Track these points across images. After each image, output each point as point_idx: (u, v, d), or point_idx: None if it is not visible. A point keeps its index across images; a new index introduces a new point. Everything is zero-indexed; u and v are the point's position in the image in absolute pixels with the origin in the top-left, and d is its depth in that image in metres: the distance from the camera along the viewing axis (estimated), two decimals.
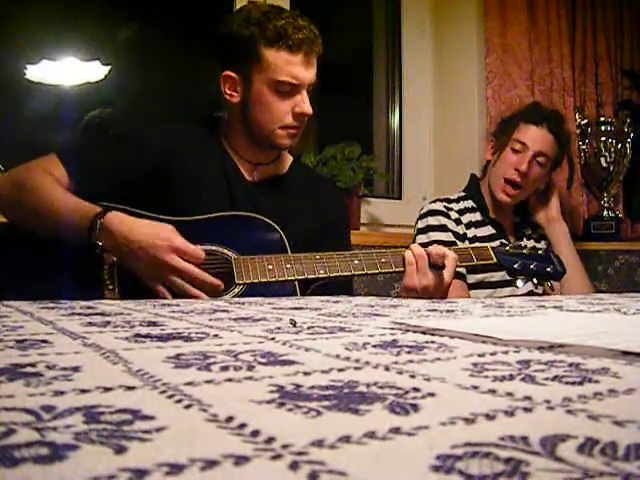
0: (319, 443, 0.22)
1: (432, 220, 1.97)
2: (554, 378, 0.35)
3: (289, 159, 1.56)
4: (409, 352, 0.45)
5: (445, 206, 2.01)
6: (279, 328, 0.60)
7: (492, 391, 0.32)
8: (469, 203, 2.07)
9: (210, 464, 0.20)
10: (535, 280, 1.44)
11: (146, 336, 0.53)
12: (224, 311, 0.82)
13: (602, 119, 2.73)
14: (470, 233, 2.00)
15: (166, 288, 1.19)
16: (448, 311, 0.87)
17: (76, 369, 0.37)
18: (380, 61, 2.96)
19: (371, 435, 0.24)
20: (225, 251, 1.27)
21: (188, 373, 0.36)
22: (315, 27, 1.38)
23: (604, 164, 2.72)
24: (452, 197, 2.09)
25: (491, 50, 2.61)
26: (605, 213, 2.68)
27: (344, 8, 3.01)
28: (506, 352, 0.45)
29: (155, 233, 1.18)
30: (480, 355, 0.44)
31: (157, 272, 1.18)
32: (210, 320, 0.69)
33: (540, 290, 1.84)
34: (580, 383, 0.34)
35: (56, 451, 0.21)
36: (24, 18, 2.22)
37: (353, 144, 2.39)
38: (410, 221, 2.15)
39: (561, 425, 0.25)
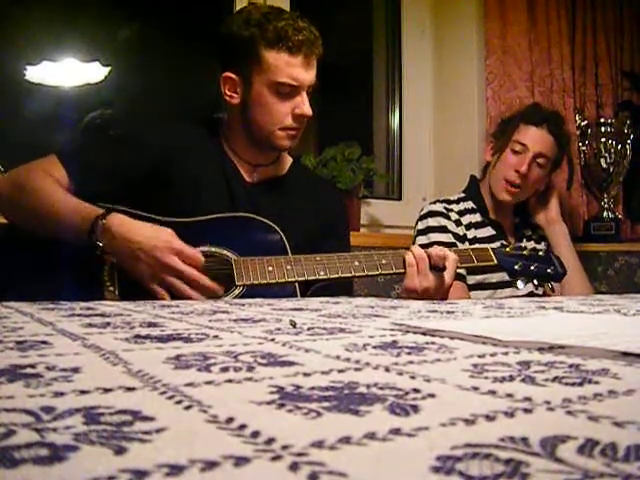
0: (319, 444, 0.22)
1: (432, 221, 1.97)
2: (554, 379, 0.35)
3: (289, 160, 1.56)
4: (409, 353, 0.45)
5: (445, 207, 2.01)
6: (279, 329, 0.60)
7: (492, 392, 0.32)
8: (469, 204, 2.07)
9: (210, 465, 0.20)
10: (535, 281, 1.43)
11: (146, 337, 0.53)
12: (224, 312, 0.82)
13: (602, 120, 2.73)
14: (470, 234, 2.00)
15: (164, 290, 1.19)
16: (448, 312, 0.87)
17: (76, 370, 0.37)
18: (380, 62, 2.96)
19: (371, 436, 0.24)
20: (225, 252, 1.27)
21: (188, 374, 0.36)
22: (315, 28, 1.38)
23: (604, 165, 2.72)
24: (452, 198, 2.08)
25: (491, 51, 2.61)
26: (605, 214, 2.68)
27: (344, 8, 3.01)
28: (506, 353, 0.45)
29: (155, 235, 1.19)
30: (480, 356, 0.44)
31: (156, 273, 1.18)
32: (210, 321, 0.69)
33: (540, 291, 1.84)
34: (580, 384, 0.34)
35: (56, 452, 0.21)
36: (24, 19, 2.22)
37: (353, 145, 2.39)
38: (410, 222, 2.15)
39: (561, 426, 0.25)
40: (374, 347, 0.48)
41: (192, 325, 0.64)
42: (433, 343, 0.51)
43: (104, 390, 0.31)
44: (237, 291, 1.24)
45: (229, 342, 0.50)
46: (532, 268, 1.41)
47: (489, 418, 0.26)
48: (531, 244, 2.07)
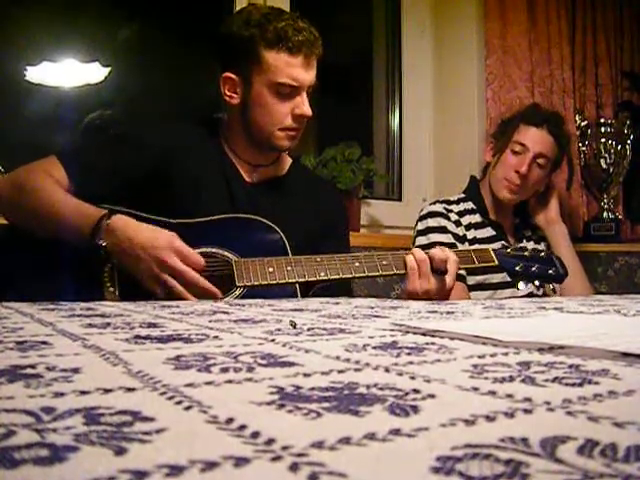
0: (319, 444, 0.22)
1: (432, 222, 1.97)
2: (554, 379, 0.36)
3: (288, 161, 1.56)
4: (409, 353, 0.45)
5: (445, 208, 2.01)
6: (279, 330, 0.60)
7: (492, 392, 0.32)
8: (469, 205, 2.07)
9: (210, 465, 0.20)
10: (537, 282, 1.43)
11: (146, 337, 0.53)
12: (224, 313, 0.82)
13: (602, 120, 2.73)
14: (470, 235, 2.00)
15: (164, 290, 1.19)
16: (448, 313, 0.87)
17: (76, 370, 0.37)
18: (380, 62, 2.96)
19: (371, 436, 0.24)
20: (226, 253, 1.27)
21: (188, 374, 0.36)
22: (315, 29, 1.38)
23: (604, 165, 2.72)
24: (452, 199, 2.08)
25: (491, 51, 2.61)
26: (605, 215, 2.68)
27: (344, 9, 3.01)
28: (506, 354, 0.45)
29: (157, 235, 1.19)
30: (480, 357, 0.44)
31: (154, 271, 1.17)
32: (210, 322, 0.69)
33: (540, 292, 1.84)
34: (580, 384, 0.34)
35: (56, 452, 0.21)
36: (24, 19, 2.22)
37: (353, 145, 2.39)
38: (410, 223, 2.15)
39: (561, 426, 0.25)
40: (374, 348, 0.48)
41: (192, 326, 0.64)
42: (433, 344, 0.51)
43: (104, 391, 0.32)
44: (237, 292, 1.24)
45: (229, 343, 0.50)
46: (533, 269, 1.40)
47: (489, 418, 0.26)
48: (531, 244, 2.07)
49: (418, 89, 2.83)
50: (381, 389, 0.32)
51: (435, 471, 0.20)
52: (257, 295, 1.20)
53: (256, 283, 1.22)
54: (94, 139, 2.05)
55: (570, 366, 0.40)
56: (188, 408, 0.28)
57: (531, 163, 1.98)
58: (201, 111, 2.52)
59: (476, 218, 2.04)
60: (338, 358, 0.43)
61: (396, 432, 0.24)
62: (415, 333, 0.58)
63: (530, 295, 1.80)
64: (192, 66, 2.51)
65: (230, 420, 0.26)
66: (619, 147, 2.71)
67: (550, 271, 1.42)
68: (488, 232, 2.03)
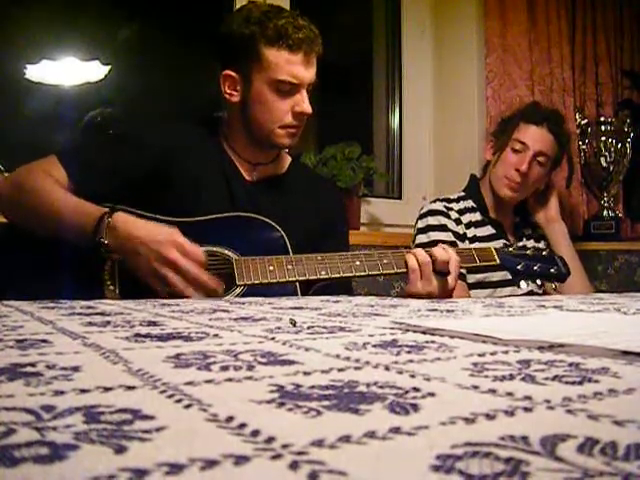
0: (319, 443, 0.22)
1: (432, 220, 1.97)
2: (554, 378, 0.36)
3: (288, 159, 1.56)
4: (409, 352, 0.45)
5: (445, 206, 2.01)
6: (279, 328, 0.60)
7: (492, 391, 0.32)
8: (469, 203, 2.07)
9: (210, 464, 0.20)
10: (539, 282, 1.43)
11: (146, 336, 0.53)
12: (224, 311, 0.82)
13: (602, 119, 2.73)
14: (470, 233, 2.00)
15: (164, 287, 1.18)
16: (448, 311, 0.87)
17: (76, 369, 0.37)
18: (380, 61, 2.96)
19: (371, 435, 0.24)
20: (226, 252, 1.27)
21: (188, 373, 0.36)
22: (315, 27, 1.38)
23: (604, 164, 2.72)
24: (452, 197, 2.08)
25: (491, 50, 2.61)
26: (605, 213, 2.68)
27: (344, 8, 3.01)
28: (506, 352, 0.45)
29: (158, 230, 1.18)
30: (480, 355, 0.44)
31: (155, 267, 1.16)
32: (210, 320, 0.69)
33: (541, 291, 1.84)
34: (580, 383, 0.34)
35: (56, 451, 0.21)
36: (24, 18, 2.22)
37: (353, 144, 2.39)
38: (410, 221, 2.15)
39: (561, 425, 0.25)
40: (374, 346, 0.48)
41: (192, 324, 0.64)
42: (433, 342, 0.51)
43: (104, 389, 0.32)
44: (238, 291, 1.24)
45: (229, 341, 0.50)
46: (535, 268, 1.40)
47: (489, 417, 0.26)
48: (531, 243, 2.07)
49: (418, 88, 2.83)
50: (381, 387, 0.32)
51: (435, 469, 0.20)
52: (257, 293, 1.19)
53: (256, 282, 1.22)
54: (94, 138, 2.05)
55: (570, 364, 0.40)
56: (188, 406, 0.28)
57: (531, 161, 1.98)
58: (201, 111, 2.52)
59: (476, 216, 2.04)
60: (338, 356, 0.43)
61: (396, 430, 0.24)
62: (415, 331, 0.58)
63: (530, 293, 1.80)
64: (192, 66, 2.51)
65: (230, 418, 0.26)
66: (619, 145, 2.71)
67: (552, 270, 1.41)
68: (488, 230, 2.03)
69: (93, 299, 1.01)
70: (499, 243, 1.91)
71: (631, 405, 0.30)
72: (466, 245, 1.92)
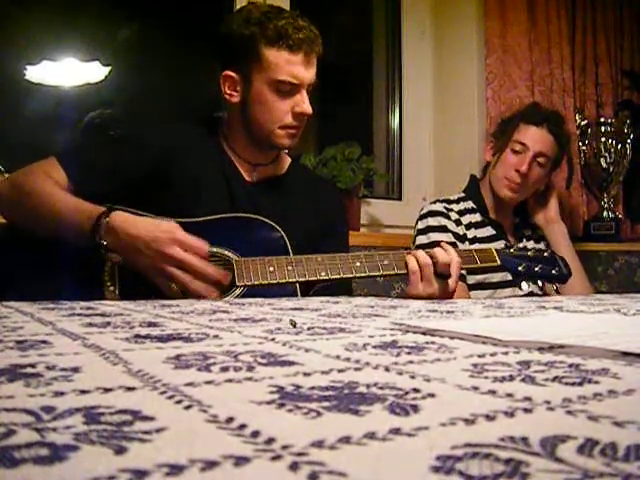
0: (319, 444, 0.22)
1: (432, 221, 1.97)
2: (554, 379, 0.36)
3: (288, 160, 1.56)
4: (409, 353, 0.45)
5: (445, 207, 2.01)
6: (279, 329, 0.60)
7: (492, 392, 0.32)
8: (469, 204, 2.07)
9: (210, 465, 0.20)
10: (540, 283, 1.42)
11: (146, 337, 0.53)
12: (224, 312, 0.82)
13: (602, 120, 2.73)
14: (470, 234, 2.00)
15: (169, 282, 1.18)
16: (448, 312, 0.87)
17: (76, 370, 0.37)
18: (380, 62, 2.96)
19: (371, 436, 0.24)
20: (226, 252, 1.27)
21: (188, 374, 0.36)
22: (315, 27, 1.38)
23: (604, 165, 2.72)
24: (452, 198, 2.08)
25: (491, 51, 2.61)
26: (605, 214, 2.68)
27: (344, 9, 3.01)
28: (506, 353, 0.45)
29: (157, 228, 1.17)
30: (480, 356, 0.44)
31: (160, 265, 1.16)
32: (210, 321, 0.69)
33: (541, 292, 1.84)
34: (580, 384, 0.34)
35: (56, 452, 0.21)
36: (24, 19, 2.22)
37: (353, 145, 2.39)
38: (410, 222, 2.15)
39: (561, 426, 0.25)
40: (374, 347, 0.48)
41: (192, 325, 0.64)
42: (433, 343, 0.51)
43: (104, 390, 0.32)
44: (238, 291, 1.24)
45: (229, 342, 0.50)
46: (536, 269, 1.39)
47: (489, 418, 0.26)
48: (531, 244, 2.07)
49: (418, 89, 2.83)
50: (381, 388, 0.32)
51: (435, 470, 0.20)
52: (257, 294, 1.19)
53: (256, 282, 1.22)
54: (94, 139, 2.06)
55: (570, 365, 0.40)
56: (188, 407, 0.28)
57: (531, 162, 1.98)
58: (201, 111, 2.52)
59: (476, 217, 2.04)
60: (338, 357, 0.43)
61: (396, 431, 0.24)
62: (415, 332, 0.58)
63: (531, 294, 1.80)
64: (192, 66, 2.51)
65: (230, 419, 0.26)
66: (619, 146, 2.71)
67: (553, 271, 1.41)
68: (488, 231, 2.03)
69: (93, 300, 1.01)
70: (499, 244, 1.91)
71: (631, 406, 0.30)
72: (466, 246, 1.92)
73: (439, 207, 2.01)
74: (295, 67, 1.35)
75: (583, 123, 2.73)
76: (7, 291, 1.14)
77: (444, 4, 2.81)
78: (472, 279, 1.94)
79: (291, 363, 0.40)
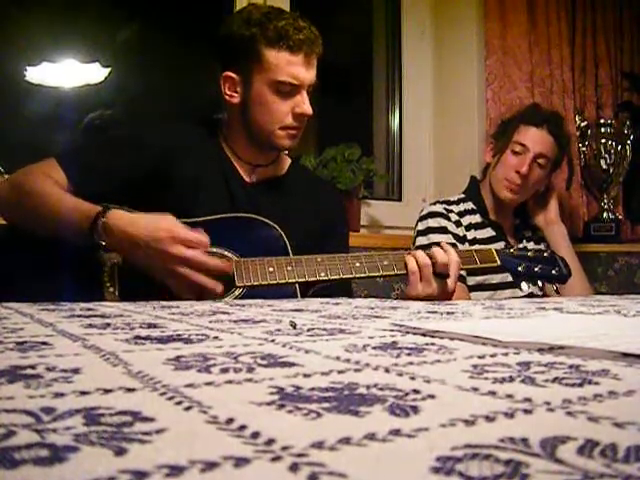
0: (319, 445, 0.22)
1: (432, 222, 1.97)
2: (554, 380, 0.35)
3: (287, 161, 1.56)
4: (409, 354, 0.45)
5: (445, 208, 2.01)
6: (279, 330, 0.60)
7: (492, 393, 0.32)
8: (469, 205, 2.07)
9: (210, 466, 0.20)
10: (540, 283, 1.42)
11: (146, 338, 0.53)
12: (224, 313, 0.82)
13: (602, 121, 2.73)
14: (470, 235, 2.00)
15: (176, 281, 1.18)
16: (448, 313, 0.87)
17: (76, 371, 0.37)
18: (380, 63, 2.96)
19: (371, 437, 0.24)
20: (226, 253, 1.27)
21: (188, 375, 0.36)
22: (315, 28, 1.38)
23: (604, 166, 2.72)
24: (452, 199, 2.08)
25: (491, 52, 2.61)
26: (605, 215, 2.68)
27: (344, 9, 3.01)
28: (506, 354, 0.45)
29: (156, 226, 1.17)
30: (480, 357, 0.44)
31: (164, 264, 1.16)
32: (210, 322, 0.69)
33: (541, 293, 1.84)
34: (580, 385, 0.34)
35: (56, 453, 0.21)
36: (24, 19, 2.23)
37: (353, 146, 2.39)
38: (410, 223, 2.15)
39: (561, 427, 0.25)
40: (374, 348, 0.48)
41: (192, 326, 0.64)
42: (433, 344, 0.51)
43: (104, 391, 0.32)
44: (237, 292, 1.24)
45: (229, 343, 0.50)
46: (536, 270, 1.39)
47: (489, 419, 0.26)
48: (531, 245, 2.07)
49: (418, 89, 2.83)
50: (381, 389, 0.32)
51: (435, 471, 0.20)
52: (257, 295, 1.19)
53: (256, 283, 1.22)
54: (94, 139, 2.05)
55: (570, 366, 0.40)
56: (188, 408, 0.28)
57: (531, 163, 1.98)
58: (201, 111, 2.52)
59: (476, 218, 2.04)
60: (338, 358, 0.43)
61: (396, 432, 0.24)
62: (415, 333, 0.58)
63: (531, 295, 1.80)
64: (192, 66, 2.51)
65: (230, 420, 0.26)
66: (619, 147, 2.71)
67: (553, 271, 1.41)
68: (488, 232, 2.03)
69: (92, 301, 1.01)
70: (499, 245, 1.91)
71: (631, 407, 0.30)
72: (466, 247, 1.92)
73: (439, 208, 2.01)
74: (295, 68, 1.35)
75: (583, 124, 2.73)
76: (7, 292, 1.14)
77: (444, 4, 2.82)
78: (472, 280, 1.94)
79: (291, 364, 0.40)
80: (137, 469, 0.20)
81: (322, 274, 1.26)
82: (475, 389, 0.33)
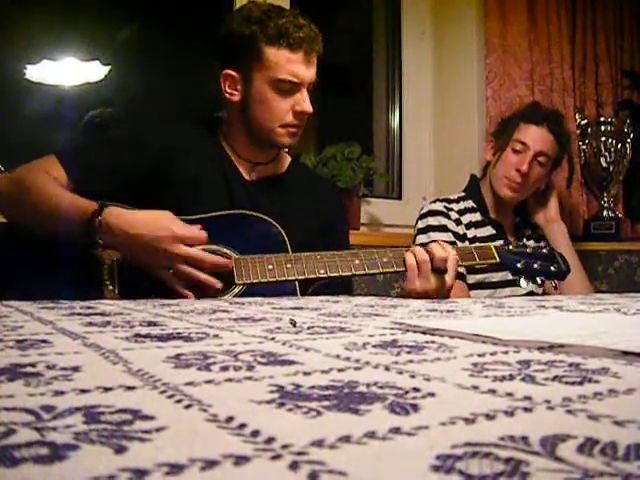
0: (319, 443, 0.22)
1: (432, 220, 1.97)
2: (554, 378, 0.35)
3: (287, 159, 1.56)
4: (409, 352, 0.45)
5: (445, 206, 2.01)
6: (279, 328, 0.60)
7: (492, 391, 0.32)
8: (469, 203, 2.07)
9: (210, 464, 0.20)
10: (539, 280, 1.43)
11: (146, 336, 0.53)
12: (224, 311, 0.82)
13: (602, 119, 2.73)
14: (470, 233, 2.00)
15: (175, 279, 1.19)
16: (448, 311, 0.87)
17: (76, 369, 0.37)
18: (380, 61, 2.96)
19: (371, 435, 0.24)
20: (225, 250, 1.27)
21: (188, 373, 0.36)
22: (315, 26, 1.38)
23: (604, 164, 2.72)
24: (452, 197, 2.08)
25: (491, 50, 2.61)
26: (605, 213, 2.68)
27: (344, 9, 3.01)
28: (506, 352, 0.45)
29: (155, 224, 1.18)
30: (480, 355, 0.44)
31: (163, 262, 1.18)
32: (210, 320, 0.69)
33: (540, 291, 1.84)
34: (580, 383, 0.34)
35: (56, 451, 0.21)
36: (24, 18, 2.22)
37: (353, 144, 2.39)
38: (410, 221, 2.15)
39: (561, 425, 0.25)
40: (374, 346, 0.48)
41: (192, 324, 0.64)
42: (433, 342, 0.51)
43: (104, 389, 0.32)
44: (237, 290, 1.24)
45: (229, 341, 0.50)
46: (535, 266, 1.39)
47: (489, 417, 0.26)
48: (531, 243, 2.06)
49: (418, 88, 2.83)
50: (381, 387, 0.32)
51: (435, 469, 0.20)
52: (256, 292, 1.20)
53: (255, 281, 1.22)
54: (94, 138, 2.05)
55: (570, 365, 0.40)
56: (188, 407, 0.28)
57: (532, 161, 1.98)
58: (201, 111, 2.51)
59: (476, 217, 2.04)
60: (338, 357, 0.43)
61: (396, 431, 0.24)
62: (415, 332, 0.58)
63: (531, 294, 1.80)
64: (192, 66, 2.51)
65: (230, 419, 0.26)
66: (619, 146, 2.71)
67: (552, 268, 1.41)
68: (488, 231, 2.03)
69: (92, 299, 1.01)
70: (499, 243, 1.91)
71: (631, 405, 0.30)
72: (466, 245, 1.92)
73: (439, 206, 2.01)
74: (295, 66, 1.35)
75: (583, 122, 2.73)
76: (7, 290, 1.14)
77: (444, 4, 2.81)
78: (472, 278, 1.94)
79: (291, 362, 0.40)
80: (137, 467, 0.20)
81: (321, 271, 1.26)
82: (475, 387, 0.33)
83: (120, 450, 0.21)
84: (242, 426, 0.25)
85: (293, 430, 0.24)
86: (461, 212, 2.03)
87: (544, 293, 1.83)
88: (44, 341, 0.49)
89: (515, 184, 1.99)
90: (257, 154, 1.46)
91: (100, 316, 0.72)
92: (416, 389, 0.32)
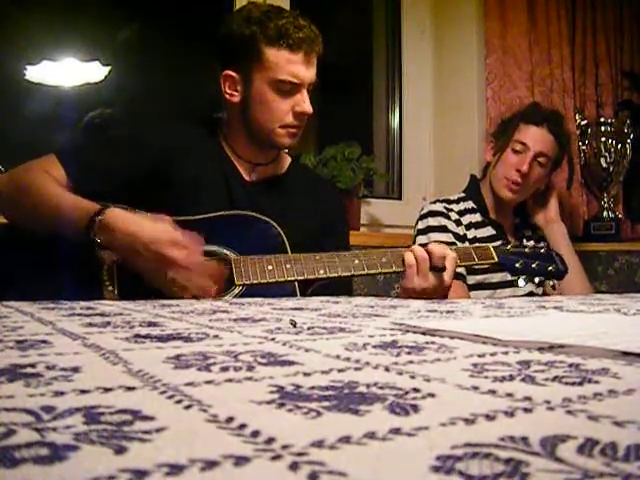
0: (319, 444, 0.22)
1: (432, 221, 1.97)
2: (554, 379, 0.35)
3: (287, 159, 1.57)
4: (409, 353, 0.45)
5: (445, 207, 2.01)
6: (279, 328, 0.60)
7: (492, 392, 0.32)
8: (469, 204, 2.07)
9: (210, 465, 0.20)
10: (537, 279, 1.43)
11: (146, 337, 0.53)
12: (224, 312, 0.82)
13: (602, 120, 2.73)
14: (470, 234, 2.00)
15: (172, 283, 1.18)
16: (448, 312, 0.87)
17: (76, 369, 0.37)
18: (380, 62, 2.96)
19: (371, 436, 0.24)
20: (225, 251, 1.27)
21: (188, 374, 0.36)
22: (315, 27, 1.38)
23: (604, 165, 2.72)
24: (452, 198, 2.08)
25: (491, 51, 2.61)
26: (605, 214, 2.68)
27: (344, 8, 3.01)
28: (506, 353, 0.45)
29: (154, 228, 1.17)
30: (480, 356, 0.44)
31: (161, 267, 1.16)
32: (210, 321, 0.69)
33: (539, 291, 1.84)
34: (580, 384, 0.34)
35: (56, 452, 0.21)
36: (24, 19, 2.22)
37: (353, 144, 2.39)
38: (410, 222, 2.15)
39: (561, 426, 0.25)
40: (374, 347, 0.48)
41: (192, 325, 0.64)
42: (433, 343, 0.51)
43: (104, 390, 0.31)
44: (237, 290, 1.24)
45: (229, 342, 0.50)
46: (533, 266, 1.40)
47: (489, 418, 0.26)
48: (531, 244, 2.06)
49: (418, 88, 2.83)
50: (381, 388, 0.32)
51: (435, 470, 0.20)
52: (256, 293, 1.19)
53: (255, 281, 1.22)
54: (94, 138, 2.05)
55: (570, 365, 0.40)
56: (188, 407, 0.28)
57: (532, 162, 1.98)
58: (201, 111, 2.52)
59: (476, 217, 2.04)
60: (338, 357, 0.43)
61: (396, 431, 0.24)
62: (415, 332, 0.58)
63: (530, 294, 1.80)
64: (192, 66, 2.51)
65: (230, 419, 0.26)
66: (619, 146, 2.71)
67: (550, 267, 1.41)
68: (488, 231, 2.03)
69: (92, 300, 1.01)
70: (500, 243, 1.91)
71: (631, 406, 0.30)
72: (467, 245, 1.92)
73: (439, 207, 2.01)
74: (295, 66, 1.35)
75: (583, 123, 2.73)
76: (7, 291, 1.14)
77: (444, 4, 2.81)
78: (472, 279, 1.94)
79: (291, 363, 0.40)
80: (137, 468, 0.20)
81: (321, 272, 1.26)
82: (475, 388, 0.33)
83: (120, 451, 0.21)
84: (242, 426, 0.25)
85: (293, 430, 0.24)
86: (461, 213, 2.03)
87: (544, 294, 1.83)
88: (44, 342, 0.49)
89: (515, 185, 1.99)
90: (257, 155, 1.46)
91: (100, 317, 0.72)
92: (416, 390, 0.32)
